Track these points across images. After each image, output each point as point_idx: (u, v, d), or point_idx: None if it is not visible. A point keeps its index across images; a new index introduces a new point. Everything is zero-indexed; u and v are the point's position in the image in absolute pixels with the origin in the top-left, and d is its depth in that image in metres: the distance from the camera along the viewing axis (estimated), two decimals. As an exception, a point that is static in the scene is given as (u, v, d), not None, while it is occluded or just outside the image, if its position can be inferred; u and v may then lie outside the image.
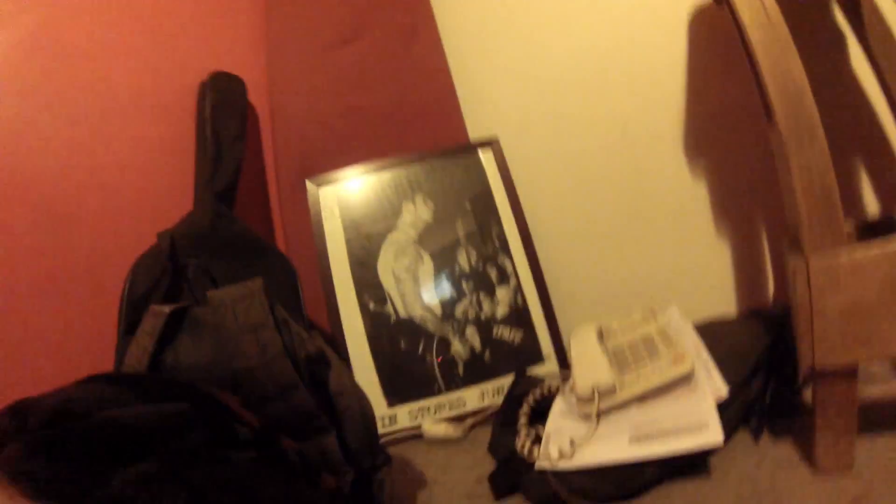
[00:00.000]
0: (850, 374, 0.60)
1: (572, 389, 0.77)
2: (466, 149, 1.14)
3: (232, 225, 0.99)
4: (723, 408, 0.69)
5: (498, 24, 1.18)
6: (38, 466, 0.44)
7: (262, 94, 1.15)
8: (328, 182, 1.13)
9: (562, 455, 0.69)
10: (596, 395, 0.73)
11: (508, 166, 1.13)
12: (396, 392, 1.03)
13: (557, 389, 0.85)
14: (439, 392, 1.03)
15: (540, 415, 0.80)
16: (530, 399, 0.82)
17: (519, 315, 1.06)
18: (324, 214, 1.11)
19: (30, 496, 0.41)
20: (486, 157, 1.13)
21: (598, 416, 0.73)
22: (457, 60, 1.17)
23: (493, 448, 0.83)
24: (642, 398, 0.73)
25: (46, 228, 0.86)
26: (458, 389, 1.03)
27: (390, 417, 1.02)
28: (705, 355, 0.77)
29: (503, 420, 0.83)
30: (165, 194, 0.99)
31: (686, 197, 1.10)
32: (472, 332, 1.05)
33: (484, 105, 1.18)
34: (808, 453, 0.67)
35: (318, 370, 0.69)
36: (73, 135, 0.91)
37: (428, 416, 1.02)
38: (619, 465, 0.67)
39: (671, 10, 1.10)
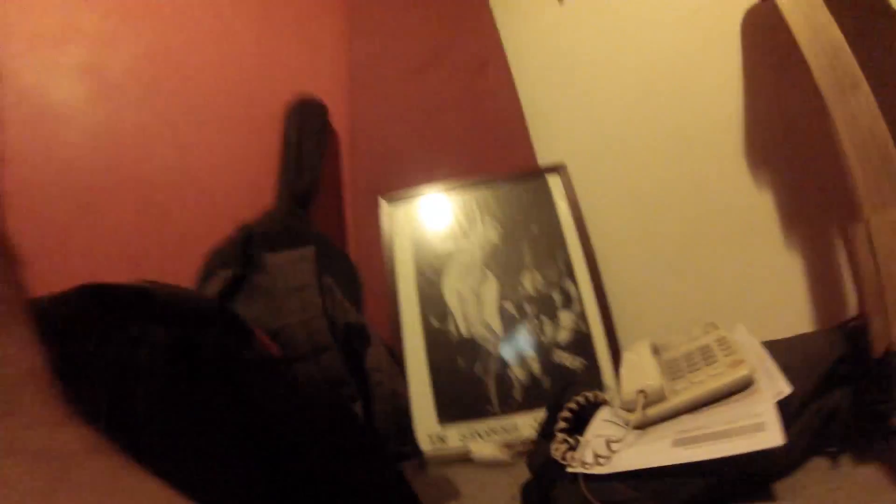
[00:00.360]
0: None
1: (618, 396, 0.71)
2: (535, 174, 1.13)
3: (304, 225, 1.03)
4: (789, 419, 0.58)
5: (564, 54, 1.21)
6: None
7: (343, 116, 1.21)
8: (400, 199, 1.15)
9: (597, 459, 0.63)
10: (641, 397, 0.66)
11: (575, 192, 1.11)
12: (449, 411, 0.99)
13: (605, 401, 0.78)
14: (493, 415, 0.98)
15: (583, 424, 0.73)
16: (573, 405, 0.76)
17: (581, 341, 1.01)
18: (394, 231, 1.12)
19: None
20: (553, 183, 1.12)
21: (643, 420, 0.66)
22: (526, 89, 1.19)
23: (530, 459, 0.77)
24: (695, 406, 0.66)
25: (147, 215, 0.95)
26: (512, 414, 0.98)
27: (440, 436, 0.98)
28: (769, 363, 0.69)
29: (544, 431, 0.77)
30: (249, 196, 1.05)
31: (753, 210, 1.03)
32: (532, 356, 1.01)
33: (552, 132, 1.19)
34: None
35: (358, 343, 0.68)
36: (175, 139, 1.01)
37: (479, 439, 0.97)
38: (661, 474, 0.59)
39: (724, 20, 1.08)
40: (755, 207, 1.04)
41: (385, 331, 1.07)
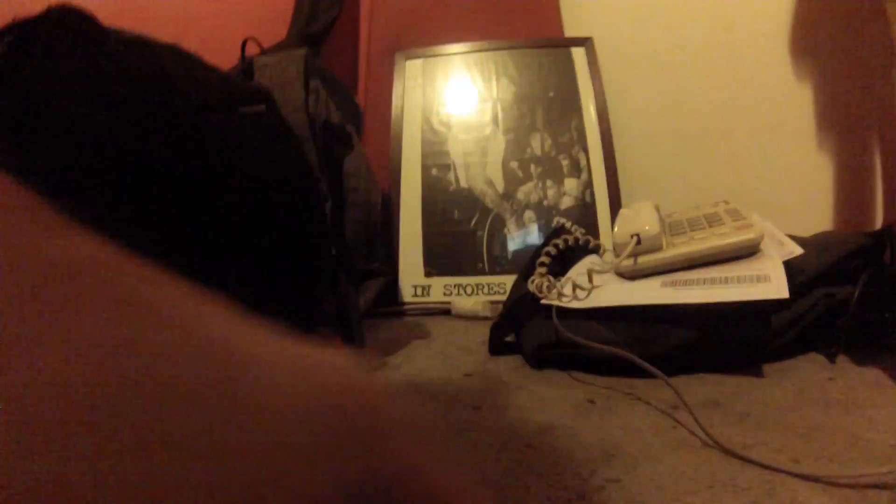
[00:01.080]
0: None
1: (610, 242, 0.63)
2: (559, 44, 1.02)
3: (314, 61, 0.94)
4: (793, 292, 0.49)
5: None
6: None
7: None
8: (416, 56, 1.05)
9: (575, 293, 0.56)
10: (633, 241, 0.59)
11: (599, 67, 1.00)
12: (437, 263, 0.93)
13: (596, 246, 0.71)
14: (481, 273, 0.92)
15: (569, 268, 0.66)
16: (560, 244, 0.69)
17: (584, 211, 0.93)
18: (407, 84, 1.03)
19: None
20: (577, 55, 1.01)
21: (633, 269, 0.59)
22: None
23: (506, 300, 0.70)
24: (691, 263, 0.58)
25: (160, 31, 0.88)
26: (502, 274, 0.92)
27: (424, 287, 0.92)
28: (780, 234, 0.61)
29: (525, 272, 0.70)
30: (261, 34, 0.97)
31: (789, 103, 0.92)
32: (530, 217, 0.94)
33: (582, 3, 1.06)
34: None
35: (338, 147, 0.61)
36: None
37: (463, 295, 0.91)
38: (644, 318, 0.53)
39: None
40: (791, 100, 0.93)
41: (384, 175, 1.00)
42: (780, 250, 0.57)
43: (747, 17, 0.95)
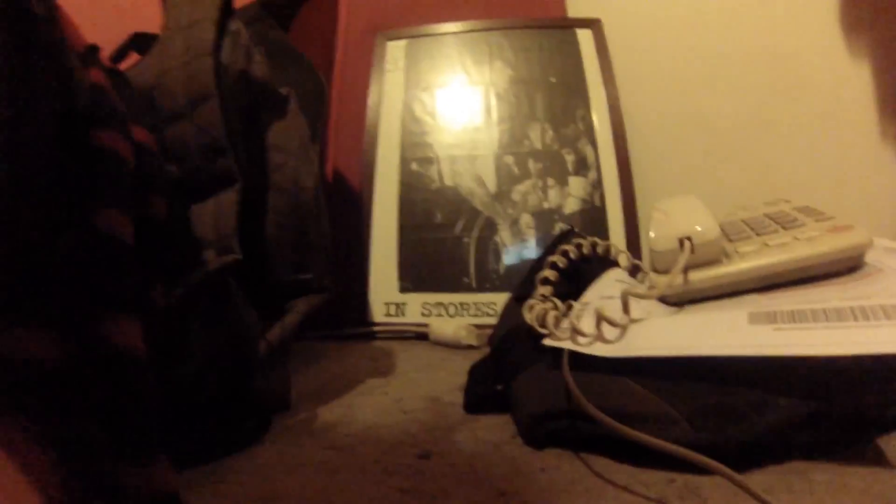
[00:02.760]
0: None
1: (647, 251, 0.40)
2: (562, 24, 0.80)
3: (269, 30, 0.72)
4: None
5: None
6: None
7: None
8: (399, 37, 0.82)
9: (601, 331, 0.33)
10: (686, 247, 0.36)
11: (609, 51, 0.77)
12: (414, 277, 0.70)
13: (615, 257, 0.48)
14: (467, 289, 0.69)
15: (580, 290, 0.43)
16: (571, 252, 0.45)
17: (592, 215, 0.70)
18: (387, 67, 0.80)
19: None
20: (584, 37, 0.78)
21: (684, 290, 0.36)
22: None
23: (492, 332, 0.47)
24: (770, 280, 0.35)
25: None
26: (492, 292, 0.68)
27: (398, 305, 0.69)
28: (883, 240, 0.38)
29: (519, 292, 0.47)
30: None
31: (841, 87, 0.69)
32: (527, 223, 0.70)
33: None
34: None
35: (264, 109, 0.38)
36: None
37: (444, 316, 0.68)
38: (720, 374, 0.29)
39: None
40: (845, 82, 0.70)
41: (355, 170, 0.78)
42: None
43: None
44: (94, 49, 0.27)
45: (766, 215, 0.44)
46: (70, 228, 0.22)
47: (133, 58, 0.53)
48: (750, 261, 0.35)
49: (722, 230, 0.39)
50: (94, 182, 0.23)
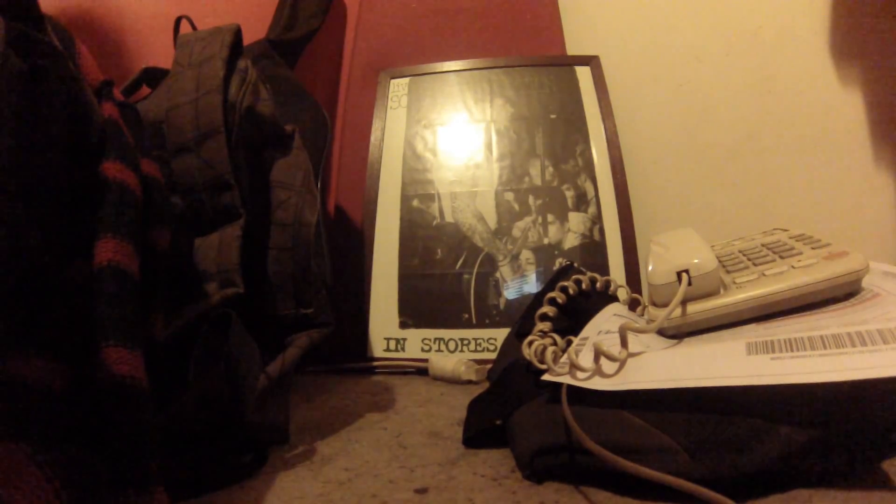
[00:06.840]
0: None
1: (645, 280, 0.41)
2: (562, 62, 0.82)
3: (277, 67, 0.75)
4: None
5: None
6: None
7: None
8: (403, 75, 0.85)
9: (600, 365, 0.33)
10: (683, 279, 0.36)
11: (608, 88, 0.79)
12: (414, 312, 0.71)
13: (614, 291, 0.49)
14: (467, 325, 0.69)
15: (580, 327, 0.43)
16: (571, 288, 0.46)
17: (592, 251, 0.71)
18: (390, 105, 0.82)
19: None
20: (582, 74, 0.81)
21: (681, 322, 0.36)
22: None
23: (492, 367, 0.47)
24: (769, 309, 0.36)
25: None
26: (492, 328, 0.69)
27: (398, 341, 0.70)
28: (886, 266, 0.39)
29: (519, 329, 0.47)
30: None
31: (833, 114, 0.71)
32: (527, 258, 0.71)
33: (585, 23, 0.87)
34: None
35: (270, 146, 0.39)
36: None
37: (444, 352, 0.68)
38: (721, 405, 0.29)
39: None
40: (837, 109, 0.72)
41: (357, 206, 0.79)
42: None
43: (777, 17, 0.76)
44: (108, 83, 0.28)
45: (763, 245, 0.45)
46: (77, 258, 0.23)
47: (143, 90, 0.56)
48: (747, 291, 0.36)
49: (719, 262, 0.40)
50: (101, 213, 0.24)
